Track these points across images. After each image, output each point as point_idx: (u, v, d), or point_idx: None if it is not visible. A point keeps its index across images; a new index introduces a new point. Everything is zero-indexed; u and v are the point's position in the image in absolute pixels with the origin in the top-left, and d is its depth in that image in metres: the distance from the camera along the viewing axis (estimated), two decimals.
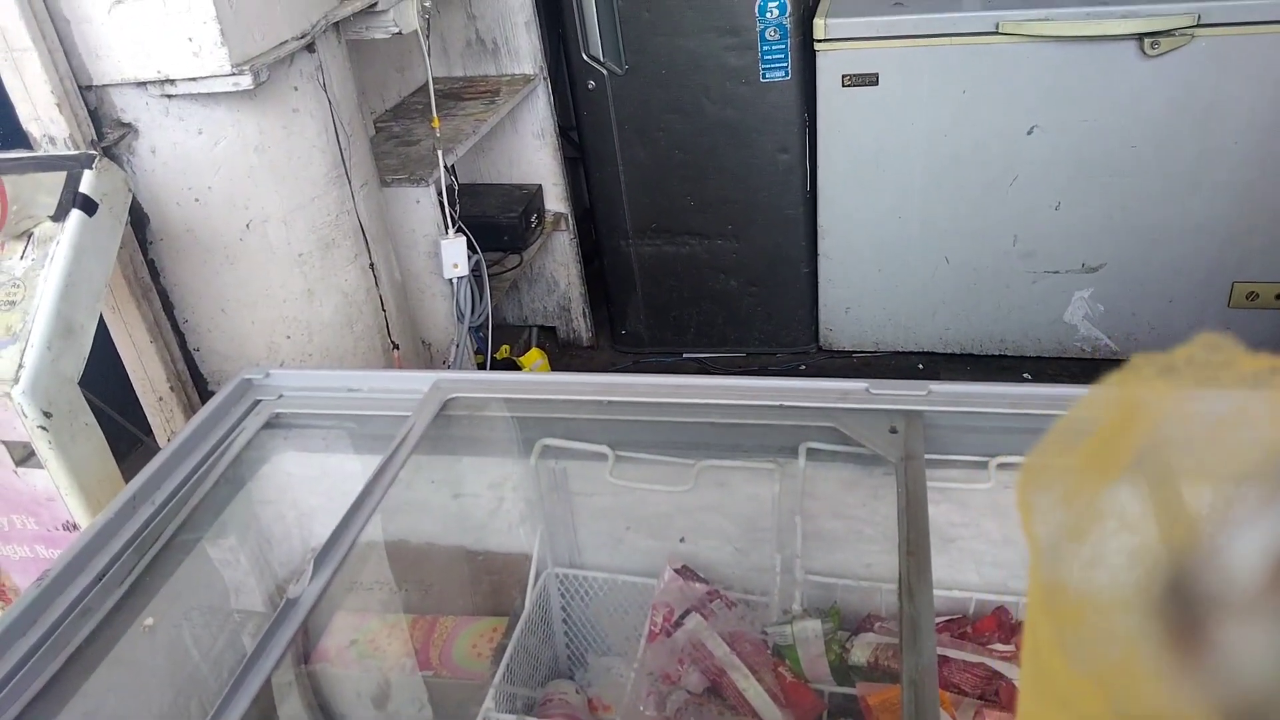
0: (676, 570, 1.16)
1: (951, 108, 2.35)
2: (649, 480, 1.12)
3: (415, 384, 1.18)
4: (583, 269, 2.83)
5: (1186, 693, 0.34)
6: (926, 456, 1.01)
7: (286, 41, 1.58)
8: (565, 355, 2.87)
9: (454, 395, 1.16)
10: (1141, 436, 0.53)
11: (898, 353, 2.73)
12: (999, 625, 1.03)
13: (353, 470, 1.23)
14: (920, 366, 2.69)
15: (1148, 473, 0.55)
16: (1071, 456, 0.53)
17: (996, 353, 2.65)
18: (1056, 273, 2.48)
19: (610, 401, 1.15)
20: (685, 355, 2.83)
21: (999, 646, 1.01)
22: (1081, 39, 2.20)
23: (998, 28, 2.27)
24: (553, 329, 2.91)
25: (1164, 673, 0.35)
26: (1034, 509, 0.53)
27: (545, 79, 2.61)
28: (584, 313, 2.88)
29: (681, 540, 1.15)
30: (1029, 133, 2.33)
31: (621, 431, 1.15)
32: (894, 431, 1.06)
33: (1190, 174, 2.29)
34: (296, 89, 1.65)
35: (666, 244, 2.71)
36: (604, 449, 1.13)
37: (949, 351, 2.69)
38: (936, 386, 1.08)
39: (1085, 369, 2.54)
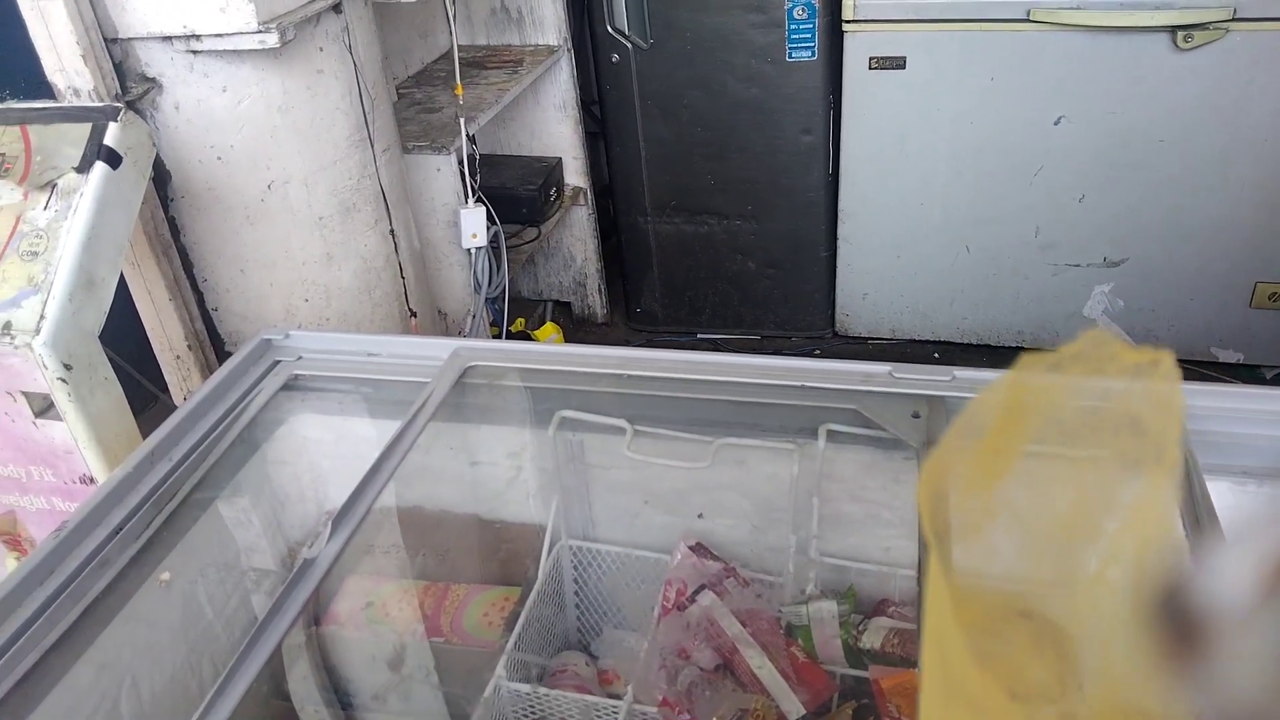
0: (691, 547, 1.15)
1: (979, 94, 2.33)
2: (666, 456, 1.12)
3: (435, 351, 1.18)
4: (600, 245, 2.81)
5: (1178, 703, 0.34)
6: None
7: (314, 1, 1.57)
8: (579, 331, 2.86)
9: (473, 363, 1.15)
10: (1029, 433, 0.54)
11: (914, 341, 2.72)
12: None
13: (369, 435, 1.23)
14: (936, 356, 2.68)
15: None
16: (965, 456, 0.53)
17: (1014, 344, 2.64)
18: (1078, 266, 2.46)
19: (629, 376, 1.14)
20: (699, 335, 2.82)
21: None
22: (1113, 29, 2.17)
23: (1029, 14, 2.24)
24: (567, 304, 2.91)
25: (1156, 682, 0.35)
26: (932, 508, 0.53)
27: (569, 51, 2.58)
28: (599, 289, 2.87)
29: (700, 516, 1.14)
30: (1056, 123, 2.31)
31: (640, 406, 1.14)
32: (916, 416, 1.05)
33: (1217, 170, 2.26)
34: (322, 50, 1.64)
35: (685, 222, 2.69)
36: (622, 422, 1.13)
37: (965, 341, 2.67)
38: (960, 372, 1.07)
39: None
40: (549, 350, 1.16)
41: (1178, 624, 0.33)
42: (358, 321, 1.73)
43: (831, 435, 1.09)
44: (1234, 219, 2.31)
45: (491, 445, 1.21)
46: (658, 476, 1.16)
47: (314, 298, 1.69)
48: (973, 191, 2.45)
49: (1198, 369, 2.46)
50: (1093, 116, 2.27)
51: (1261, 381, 2.44)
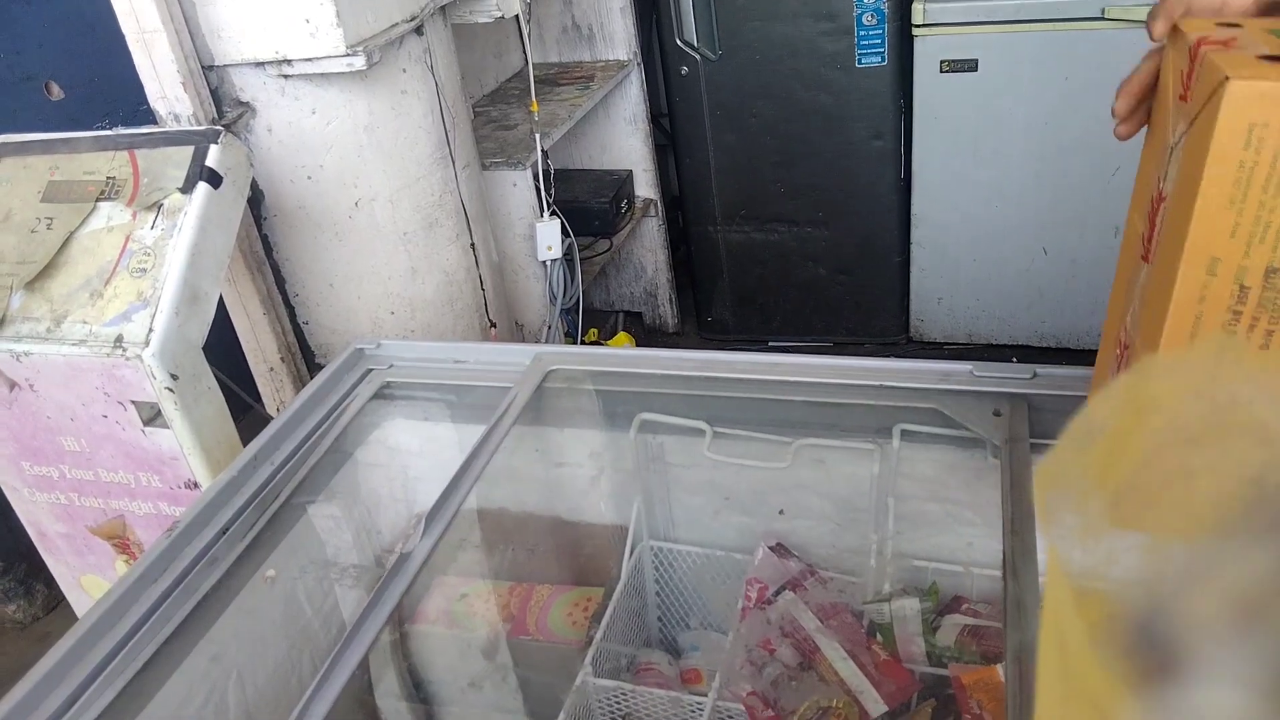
0: (771, 548, 1.17)
1: (1053, 95, 2.30)
2: (745, 457, 1.14)
3: (517, 357, 1.21)
4: (670, 255, 2.84)
5: None
6: (1030, 441, 1.01)
7: (397, 24, 1.63)
8: (651, 341, 2.90)
9: (554, 368, 1.18)
10: (1150, 436, 0.53)
11: (991, 345, 2.68)
12: None
13: (456, 439, 1.27)
14: (1014, 360, 2.63)
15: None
16: (1085, 457, 0.53)
17: (1094, 348, 2.58)
18: None
19: (707, 378, 1.16)
20: (770, 344, 2.83)
21: None
22: None
23: (1104, 13, 2.20)
24: (639, 314, 2.94)
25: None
26: (1051, 511, 0.53)
27: (639, 65, 2.63)
28: (670, 299, 2.90)
29: (780, 512, 1.16)
30: None
31: (719, 408, 1.16)
32: (998, 415, 1.05)
33: None
34: (405, 71, 1.70)
35: (755, 231, 2.70)
36: (701, 424, 1.15)
37: (1044, 345, 2.63)
38: (1043, 370, 1.06)
39: None
40: (628, 354, 1.19)
41: (1152, 652, 0.33)
42: (440, 333, 1.79)
43: (911, 435, 1.10)
44: None
45: (573, 448, 1.24)
46: (737, 477, 1.17)
47: (399, 310, 1.75)
48: (1049, 193, 2.42)
49: None
50: None
51: None
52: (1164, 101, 0.71)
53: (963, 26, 2.31)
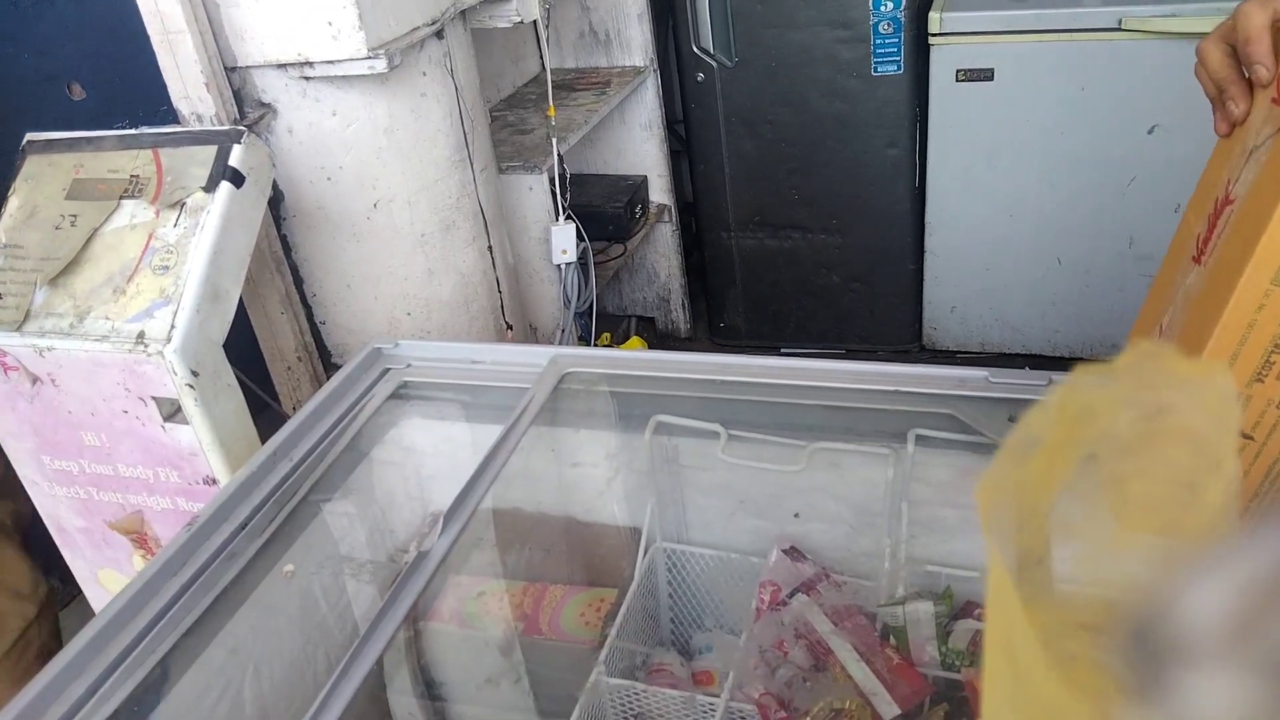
0: (785, 551, 1.17)
1: (1069, 105, 2.30)
2: (760, 459, 1.14)
3: (534, 358, 1.22)
4: (683, 261, 2.85)
5: None
6: None
7: (418, 28, 1.65)
8: (663, 346, 2.90)
9: (571, 370, 1.19)
10: (1085, 445, 0.54)
11: (1004, 354, 2.68)
12: None
13: (471, 439, 1.28)
14: (1027, 369, 2.63)
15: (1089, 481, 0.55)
16: (1023, 469, 0.54)
17: (1107, 358, 2.58)
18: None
19: (722, 381, 1.17)
20: (783, 350, 2.83)
21: None
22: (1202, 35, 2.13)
23: (1120, 24, 2.21)
24: (651, 319, 2.95)
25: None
26: (993, 522, 0.54)
27: (655, 71, 2.64)
28: (683, 304, 2.90)
29: (796, 515, 1.16)
30: (1150, 132, 2.27)
31: (734, 411, 1.17)
32: (1013, 420, 1.05)
33: None
34: (425, 74, 1.72)
35: (769, 237, 2.71)
36: (716, 427, 1.16)
37: (1058, 355, 2.63)
38: (1058, 377, 1.07)
39: None
40: (643, 357, 1.20)
41: (1149, 657, 0.33)
42: (456, 334, 1.80)
43: (926, 440, 1.10)
44: None
45: (589, 449, 1.25)
46: (751, 480, 1.18)
47: (415, 311, 1.76)
48: (1064, 203, 2.42)
49: None
50: (1188, 125, 2.22)
51: None
52: (1256, 102, 0.71)
53: (979, 36, 2.32)
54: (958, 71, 2.36)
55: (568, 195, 2.14)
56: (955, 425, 1.07)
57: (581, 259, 2.21)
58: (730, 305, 2.85)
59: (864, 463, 1.14)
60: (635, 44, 2.64)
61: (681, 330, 2.93)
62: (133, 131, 1.46)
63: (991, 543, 0.56)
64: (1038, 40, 2.28)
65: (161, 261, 1.31)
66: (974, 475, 1.13)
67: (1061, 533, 0.58)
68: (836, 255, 2.68)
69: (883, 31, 2.38)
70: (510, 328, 1.91)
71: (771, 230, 2.71)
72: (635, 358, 1.23)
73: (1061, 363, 2.62)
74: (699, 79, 2.56)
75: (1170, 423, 0.56)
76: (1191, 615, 0.34)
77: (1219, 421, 0.55)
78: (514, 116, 2.43)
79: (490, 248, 1.85)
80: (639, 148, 2.70)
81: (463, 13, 1.82)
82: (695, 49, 2.52)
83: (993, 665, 0.55)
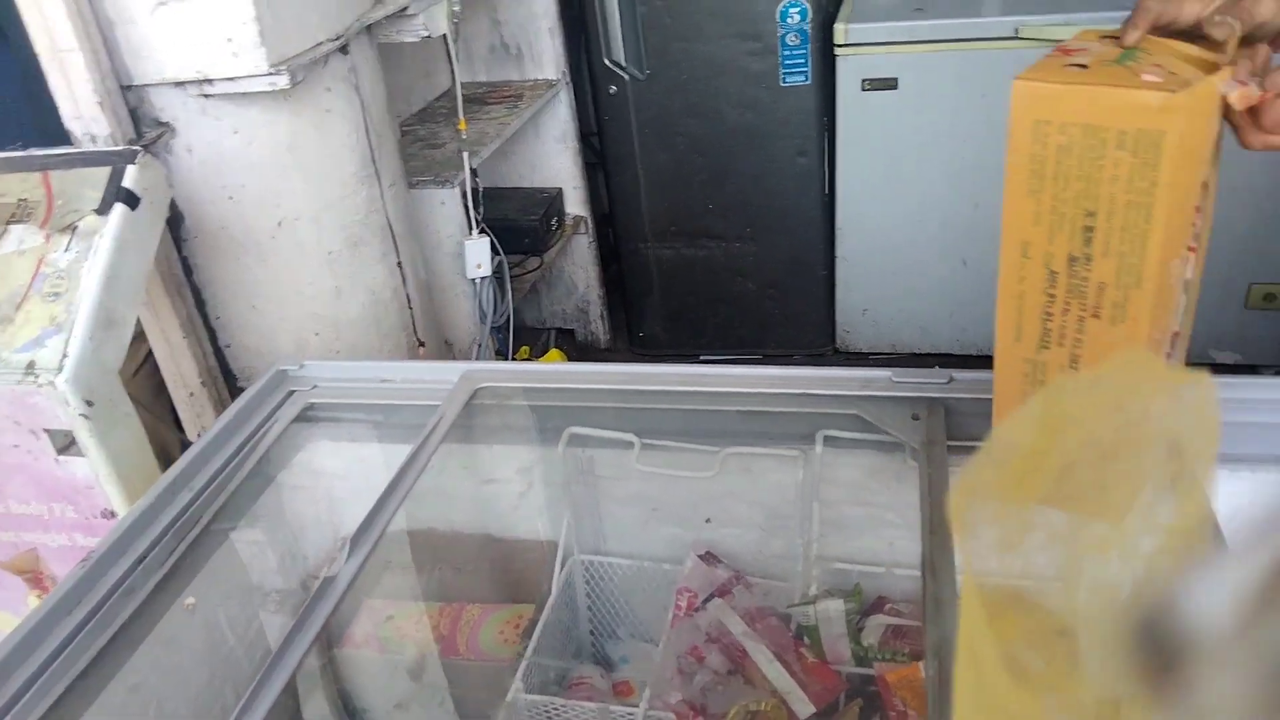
0: (700, 556, 1.18)
1: (971, 112, 2.37)
2: (674, 467, 1.15)
3: (445, 374, 1.21)
4: (601, 272, 2.86)
5: None
6: (947, 443, 1.04)
7: (321, 43, 1.62)
8: (582, 358, 2.90)
9: (483, 385, 1.18)
10: (1065, 450, 0.55)
11: (915, 354, 2.74)
12: None
13: (383, 460, 1.26)
14: (938, 368, 2.70)
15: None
16: (1002, 473, 0.55)
17: None
18: None
19: (635, 391, 1.17)
20: (702, 358, 2.86)
21: None
22: None
23: (1017, 32, 2.29)
24: (570, 331, 2.94)
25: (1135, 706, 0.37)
26: (967, 525, 0.55)
27: (568, 84, 2.64)
28: (602, 315, 2.91)
29: (707, 521, 1.17)
30: None
31: (647, 420, 1.17)
32: (916, 419, 1.08)
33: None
34: (329, 90, 1.69)
35: (685, 247, 2.73)
36: (630, 436, 1.16)
37: (966, 353, 2.70)
38: (959, 375, 1.10)
39: None
40: (556, 369, 1.20)
41: (1158, 647, 0.34)
42: (367, 353, 1.77)
43: (834, 440, 1.12)
44: (1226, 224, 2.33)
45: (502, 464, 1.24)
46: (666, 488, 1.18)
47: (324, 331, 1.73)
48: (967, 206, 2.49)
49: (1197, 369, 2.48)
50: None
51: None
52: None
53: (882, 46, 2.38)
54: (863, 81, 2.42)
55: (481, 209, 2.13)
56: (861, 425, 1.10)
57: (497, 272, 2.20)
58: (649, 315, 2.86)
59: (775, 466, 1.16)
60: (547, 57, 2.64)
61: (601, 341, 2.93)
62: (20, 153, 1.41)
63: (964, 546, 0.56)
64: (939, 50, 2.35)
65: (52, 288, 1.26)
66: (880, 473, 1.16)
67: (1043, 537, 0.58)
68: (751, 263, 2.71)
69: (790, 43, 2.43)
70: (422, 344, 1.89)
71: (688, 239, 2.73)
72: (548, 370, 1.23)
73: (970, 360, 2.69)
74: (612, 91, 2.57)
75: (1152, 429, 0.57)
76: (1197, 610, 0.34)
77: (1201, 430, 0.56)
78: (425, 131, 2.41)
79: (400, 264, 1.83)
80: (554, 160, 2.69)
81: (369, 28, 1.80)
82: (607, 62, 2.53)
83: (963, 668, 0.56)
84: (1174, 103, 0.61)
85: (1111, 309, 0.68)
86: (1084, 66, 0.67)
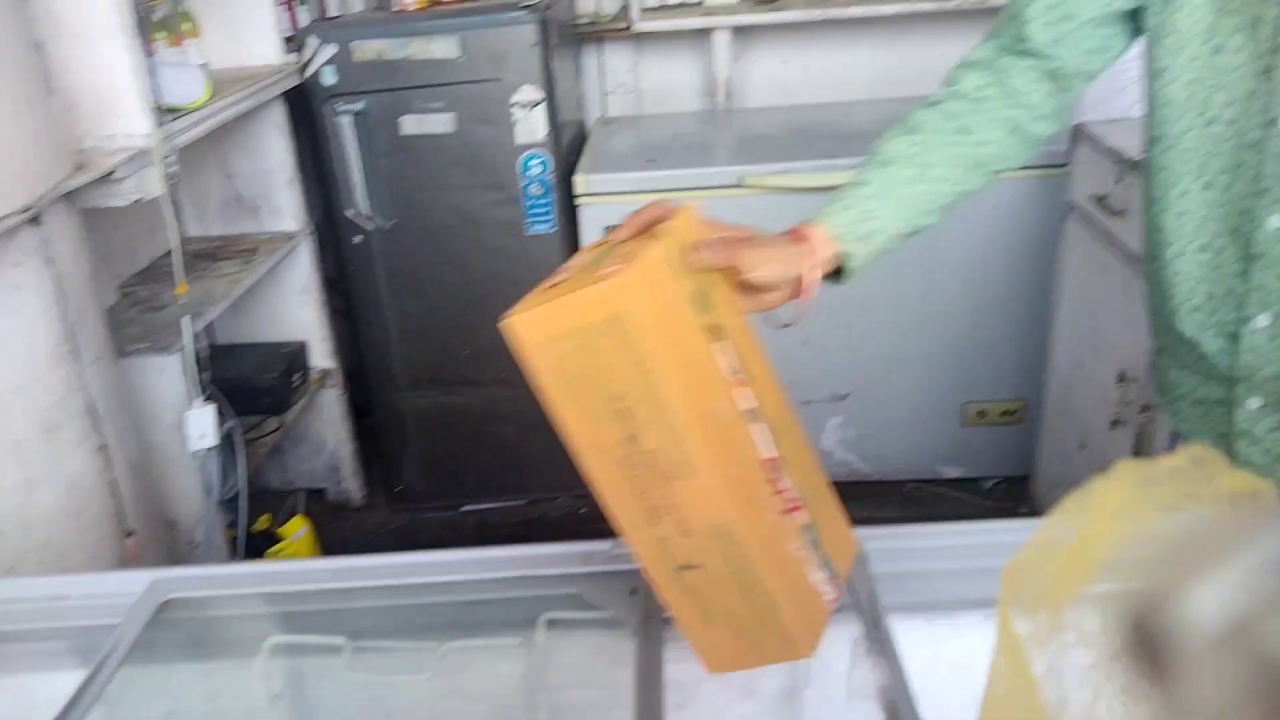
0: None
1: None
2: (390, 671, 1.08)
3: (131, 585, 1.09)
4: (353, 426, 2.75)
5: None
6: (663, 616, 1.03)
7: (5, 216, 1.49)
8: (335, 518, 2.75)
9: (173, 595, 1.08)
10: (1113, 547, 0.54)
11: None
12: None
13: (49, 695, 1.11)
14: None
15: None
16: (1048, 561, 0.53)
17: None
18: (809, 402, 2.64)
19: (347, 589, 1.10)
20: (464, 509, 2.78)
21: None
22: (816, 189, 2.41)
23: (741, 181, 2.46)
24: (321, 491, 2.79)
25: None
26: (1013, 603, 0.53)
27: (309, 235, 2.58)
28: (355, 471, 2.78)
29: None
30: None
31: (361, 620, 1.10)
32: (634, 593, 1.07)
33: (919, 308, 2.53)
34: (17, 265, 1.55)
35: (441, 395, 2.69)
36: (338, 640, 1.08)
37: None
38: None
39: (845, 490, 2.68)
40: (257, 571, 1.11)
41: (1148, 648, 0.33)
42: (64, 549, 1.59)
43: (556, 623, 1.09)
44: (939, 348, 2.57)
45: (192, 688, 1.12)
46: (382, 696, 1.11)
47: (10, 530, 1.54)
48: None
49: (928, 486, 2.67)
50: None
51: (982, 492, 2.67)
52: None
53: (619, 195, 2.48)
54: (605, 228, 2.51)
55: (207, 373, 2.00)
56: (582, 604, 1.07)
57: (228, 438, 2.06)
58: (407, 467, 2.77)
59: (498, 656, 1.11)
60: (286, 210, 2.57)
61: (356, 499, 2.80)
62: None
63: (1006, 620, 0.52)
64: (671, 197, 2.47)
65: None
66: (603, 653, 1.13)
67: (1069, 638, 0.55)
68: (509, 406, 2.70)
69: (533, 193, 2.49)
70: (131, 534, 1.72)
71: (444, 387, 2.69)
72: (246, 573, 1.13)
73: None
74: (355, 241, 2.54)
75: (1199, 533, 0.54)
76: (1192, 610, 0.33)
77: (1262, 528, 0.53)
78: (147, 291, 2.27)
79: (105, 446, 1.67)
80: (295, 313, 2.60)
81: (68, 195, 1.68)
82: (350, 213, 2.50)
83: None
84: (619, 285, 0.69)
85: (678, 467, 0.73)
86: (559, 284, 0.77)
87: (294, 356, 2.49)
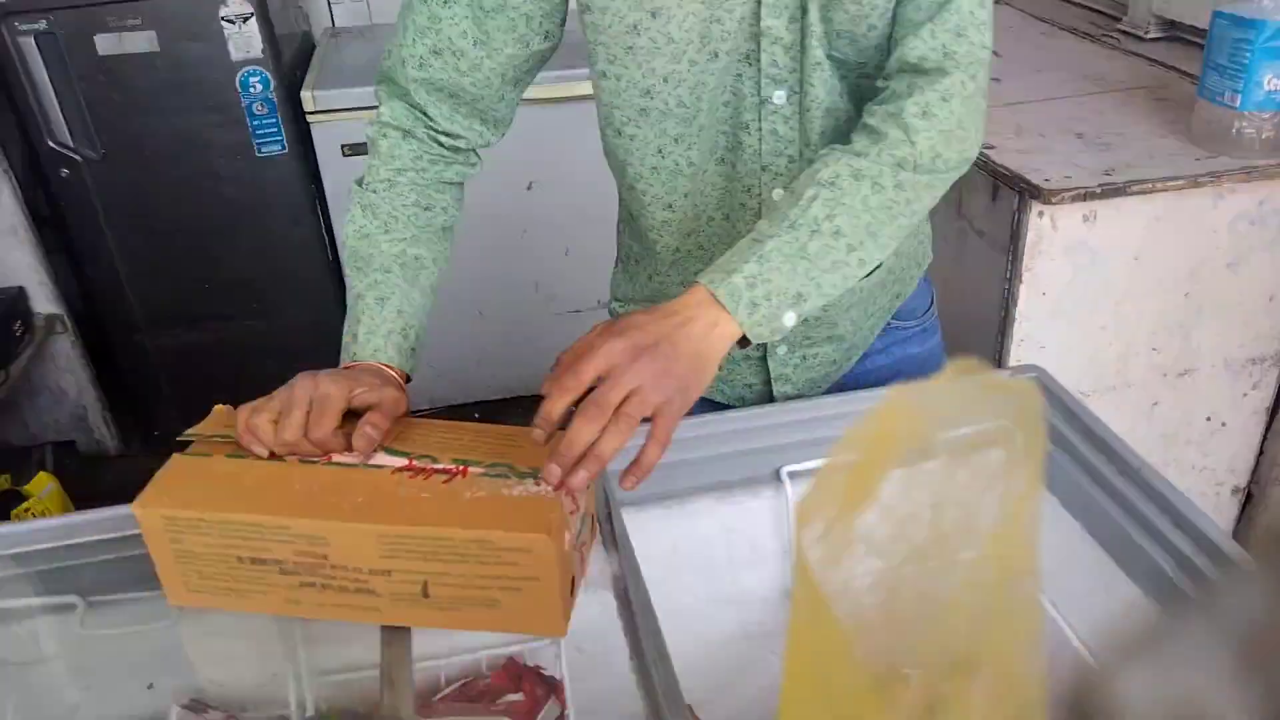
0: (185, 706, 1.09)
1: None
2: (129, 623, 1.05)
3: None
4: (95, 373, 2.55)
5: None
6: None
7: None
8: (92, 469, 2.57)
9: None
10: (894, 460, 0.56)
11: (453, 405, 2.80)
12: (509, 677, 1.10)
13: None
14: (477, 415, 2.79)
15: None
16: (832, 488, 0.56)
17: (538, 393, 2.82)
18: (578, 311, 2.70)
19: (80, 544, 1.05)
20: None
21: (511, 698, 1.08)
22: (574, 99, 2.38)
23: None
24: (71, 443, 2.60)
25: None
26: (804, 539, 0.55)
27: (5, 170, 2.32)
28: (105, 419, 2.60)
29: (150, 687, 1.08)
30: (529, 188, 2.52)
31: (92, 575, 1.06)
32: None
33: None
34: None
35: (187, 332, 2.54)
36: (73, 599, 1.04)
37: (500, 398, 2.81)
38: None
39: None
40: None
41: None
42: None
43: None
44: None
45: None
46: (125, 648, 1.08)
47: None
48: (475, 260, 2.57)
49: None
50: (556, 181, 2.51)
51: None
52: None
53: (354, 112, 2.37)
54: (343, 146, 2.41)
55: None
56: None
57: None
58: (163, 409, 2.61)
59: None
60: None
61: (111, 448, 2.62)
62: None
63: (801, 550, 0.54)
64: None
65: None
66: None
67: (860, 550, 0.56)
68: (267, 339, 2.59)
69: (257, 112, 2.35)
70: None
71: (189, 324, 2.54)
72: None
73: (507, 404, 2.80)
74: (64, 175, 2.31)
75: (980, 433, 0.57)
76: (1129, 690, 0.34)
77: (1026, 422, 0.57)
78: None
79: None
80: (4, 257, 2.35)
81: None
82: (51, 144, 2.26)
83: (793, 666, 0.54)
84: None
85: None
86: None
87: (11, 304, 2.27)
